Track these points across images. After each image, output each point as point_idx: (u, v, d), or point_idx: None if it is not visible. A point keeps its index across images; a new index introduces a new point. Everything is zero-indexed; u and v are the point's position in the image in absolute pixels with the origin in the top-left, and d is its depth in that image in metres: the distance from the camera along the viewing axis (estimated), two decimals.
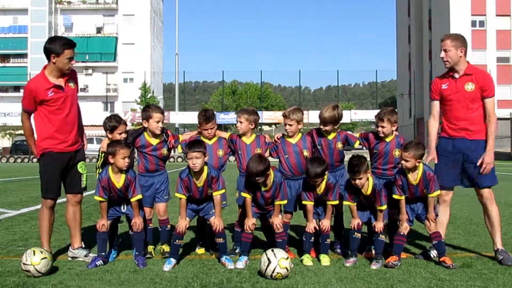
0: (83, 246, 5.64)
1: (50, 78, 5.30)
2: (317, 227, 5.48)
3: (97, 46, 70.17)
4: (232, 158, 6.11)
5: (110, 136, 5.67)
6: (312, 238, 5.46)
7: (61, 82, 5.35)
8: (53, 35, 70.68)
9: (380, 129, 5.60)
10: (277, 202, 5.42)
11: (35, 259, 4.76)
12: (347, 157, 5.53)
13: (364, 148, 5.94)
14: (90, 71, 68.70)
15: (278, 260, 4.68)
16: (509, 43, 56.35)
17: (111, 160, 5.32)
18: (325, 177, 5.37)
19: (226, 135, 6.02)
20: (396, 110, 5.88)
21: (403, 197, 5.36)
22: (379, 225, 5.32)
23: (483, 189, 5.45)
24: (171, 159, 41.30)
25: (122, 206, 5.50)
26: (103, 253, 5.35)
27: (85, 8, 72.67)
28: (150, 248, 5.73)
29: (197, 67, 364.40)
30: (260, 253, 5.34)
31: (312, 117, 47.13)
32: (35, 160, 53.13)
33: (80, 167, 5.59)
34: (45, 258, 4.82)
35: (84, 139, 5.75)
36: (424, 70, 70.07)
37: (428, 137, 5.75)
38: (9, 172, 25.64)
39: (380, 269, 5.05)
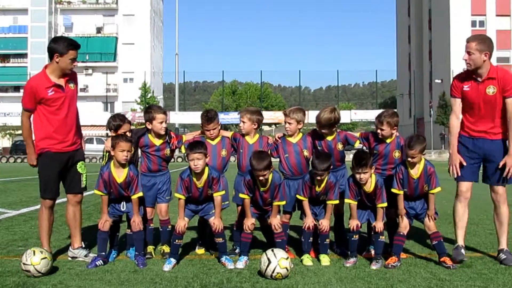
0: (83, 246, 5.64)
1: (51, 77, 5.31)
2: (315, 225, 5.47)
3: (97, 46, 70.16)
4: (232, 158, 6.10)
5: (114, 135, 5.68)
6: (311, 238, 5.46)
7: (61, 82, 5.36)
8: (53, 35, 70.75)
9: (379, 131, 5.60)
10: (275, 203, 5.42)
11: (35, 259, 4.76)
12: (348, 157, 5.53)
13: (364, 148, 5.94)
14: (90, 71, 68.68)
15: (278, 260, 4.68)
16: (509, 43, 56.41)
17: (112, 153, 5.34)
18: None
19: (229, 134, 6.02)
20: (397, 112, 5.84)
21: (401, 192, 5.35)
22: (379, 225, 5.32)
23: (497, 186, 5.42)
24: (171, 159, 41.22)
25: (122, 204, 5.50)
26: (103, 253, 5.35)
27: (85, 8, 72.65)
28: (151, 248, 5.73)
29: (197, 67, 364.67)
30: (260, 253, 5.34)
31: (312, 117, 47.04)
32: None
33: (80, 167, 5.58)
34: (45, 258, 4.82)
35: (82, 142, 5.75)
36: (424, 70, 70.10)
37: (451, 137, 5.57)
38: (9, 172, 25.63)
39: (380, 269, 5.05)
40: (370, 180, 5.30)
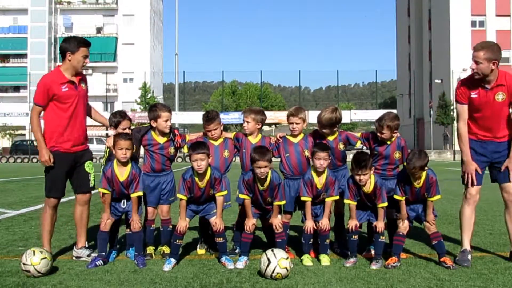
0: (87, 246, 5.64)
1: (66, 74, 5.42)
2: (316, 227, 5.48)
3: (97, 46, 70.00)
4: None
5: (114, 132, 5.71)
6: (311, 240, 5.46)
7: (75, 80, 5.48)
8: (53, 35, 70.88)
9: (379, 134, 5.60)
10: (276, 203, 5.43)
11: (35, 259, 4.76)
12: (348, 157, 5.53)
13: (365, 148, 5.94)
14: (90, 71, 68.58)
15: (278, 260, 4.68)
16: (509, 43, 56.38)
17: (113, 151, 5.34)
18: (326, 171, 5.44)
19: (231, 135, 6.02)
20: (398, 115, 5.79)
21: (403, 198, 5.36)
22: (380, 225, 5.32)
23: (507, 184, 5.39)
24: None
25: (122, 202, 5.51)
26: (103, 253, 5.36)
27: (85, 8, 72.66)
28: (151, 249, 5.72)
29: (197, 67, 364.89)
30: (260, 253, 5.34)
31: (312, 117, 47.05)
32: (35, 160, 52.29)
33: (88, 166, 5.62)
34: (45, 258, 4.82)
35: None
36: (424, 70, 70.09)
37: (462, 145, 5.44)
38: (9, 172, 25.58)
39: (380, 269, 5.05)
40: (369, 181, 5.31)
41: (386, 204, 5.36)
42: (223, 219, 5.47)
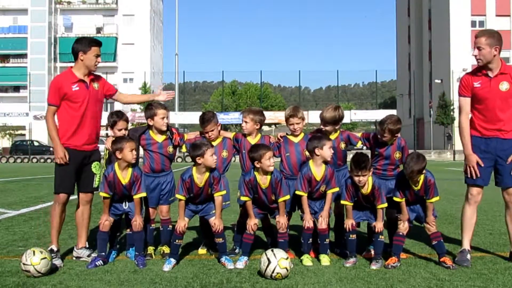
0: (87, 246, 5.65)
1: (77, 74, 5.48)
2: (315, 225, 5.47)
3: None
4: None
5: (111, 131, 5.73)
6: (310, 239, 5.46)
7: (86, 79, 5.51)
8: (53, 35, 70.90)
9: (379, 136, 5.60)
10: (280, 199, 5.40)
11: (35, 259, 4.76)
12: (348, 157, 5.53)
13: (365, 148, 5.95)
14: None
15: (278, 260, 4.68)
16: (509, 43, 56.34)
17: (119, 156, 5.34)
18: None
19: (230, 134, 6.02)
20: (400, 119, 5.75)
21: (403, 200, 5.36)
22: (379, 225, 5.32)
23: (510, 188, 5.33)
24: None
25: (124, 203, 5.51)
26: (103, 253, 5.36)
27: (85, 8, 72.69)
28: (151, 249, 5.72)
29: (197, 67, 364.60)
30: (260, 253, 5.33)
31: (312, 117, 47.06)
32: (35, 160, 52.04)
33: (94, 167, 5.64)
34: (45, 258, 4.82)
35: None
36: (424, 70, 70.12)
37: (463, 138, 5.41)
38: (9, 172, 25.60)
39: (380, 269, 5.05)
40: (367, 182, 5.31)
41: (385, 205, 5.36)
42: (222, 219, 5.47)
